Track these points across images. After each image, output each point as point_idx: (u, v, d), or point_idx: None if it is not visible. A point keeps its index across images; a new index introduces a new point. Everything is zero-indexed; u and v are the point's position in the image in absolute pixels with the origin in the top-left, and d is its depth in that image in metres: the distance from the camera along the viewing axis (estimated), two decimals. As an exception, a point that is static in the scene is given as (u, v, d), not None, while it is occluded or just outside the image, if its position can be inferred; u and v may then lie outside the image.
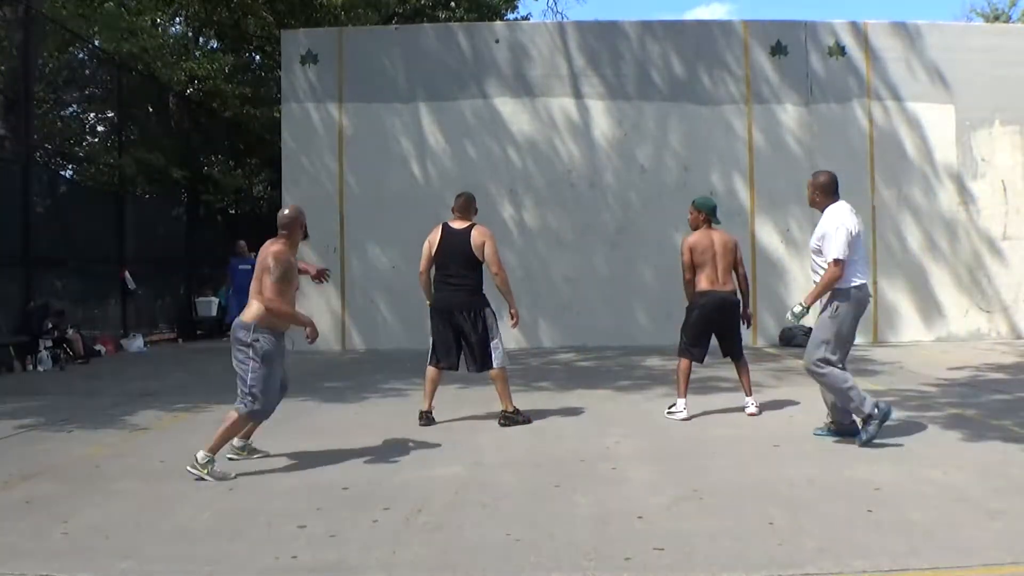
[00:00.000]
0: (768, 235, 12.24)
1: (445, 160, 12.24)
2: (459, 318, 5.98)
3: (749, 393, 6.35)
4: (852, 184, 12.19)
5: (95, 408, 7.20)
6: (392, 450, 5.31)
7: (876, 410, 4.93)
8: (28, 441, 5.77)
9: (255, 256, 5.33)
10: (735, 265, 6.26)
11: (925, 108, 12.24)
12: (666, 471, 4.65)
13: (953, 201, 12.33)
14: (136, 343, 12.72)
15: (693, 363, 6.27)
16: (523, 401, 6.23)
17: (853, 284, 5.05)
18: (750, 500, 4.01)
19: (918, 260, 12.17)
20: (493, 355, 6.00)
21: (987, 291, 12.31)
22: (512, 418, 6.04)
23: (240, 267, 12.60)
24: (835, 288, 5.06)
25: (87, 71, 16.10)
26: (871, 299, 5.11)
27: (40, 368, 10.11)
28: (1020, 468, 4.52)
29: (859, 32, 12.36)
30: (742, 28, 12.55)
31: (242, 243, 13.42)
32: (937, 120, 12.27)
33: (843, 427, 5.31)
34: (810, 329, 12.01)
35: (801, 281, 12.18)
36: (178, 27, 19.22)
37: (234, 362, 4.82)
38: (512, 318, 6.07)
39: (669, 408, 6.30)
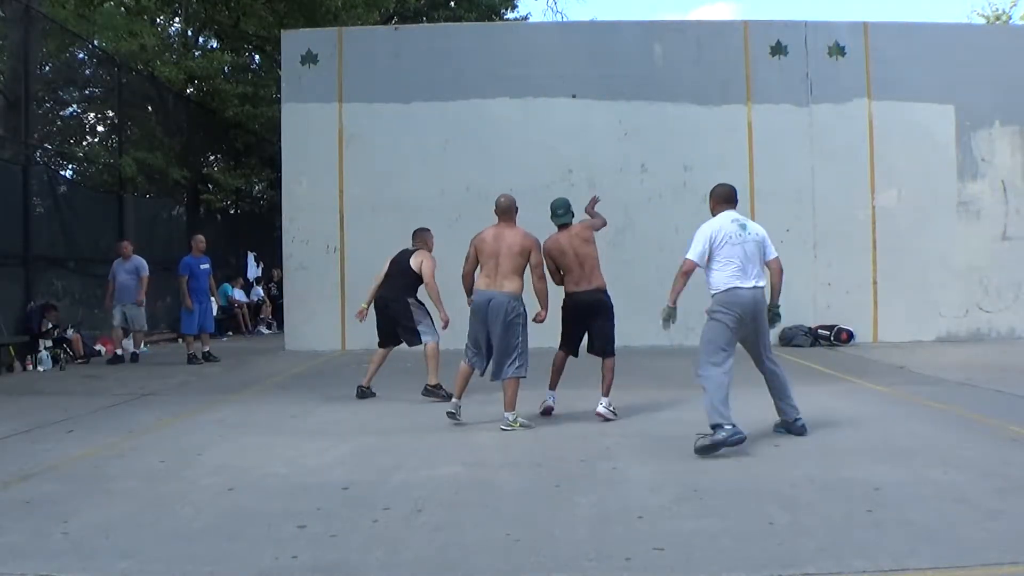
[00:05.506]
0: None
1: (445, 160, 12.22)
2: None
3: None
4: (852, 184, 12.29)
5: (95, 408, 7.21)
6: (392, 450, 5.31)
7: (721, 431, 5.00)
8: (28, 441, 5.77)
9: None
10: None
11: (925, 108, 12.23)
12: (666, 471, 4.65)
13: (953, 201, 12.33)
14: (136, 343, 12.71)
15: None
16: (523, 401, 6.22)
17: (723, 288, 5.36)
18: (750, 500, 4.01)
19: (918, 260, 12.15)
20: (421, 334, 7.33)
21: (987, 291, 12.31)
22: (433, 391, 7.12)
23: (202, 266, 10.90)
24: (712, 294, 5.44)
25: (87, 71, 16.11)
26: (754, 301, 5.35)
27: (40, 368, 10.11)
28: (1020, 468, 4.52)
29: (859, 32, 12.35)
30: (742, 28, 12.55)
31: (201, 238, 11.26)
32: (937, 120, 12.26)
33: (788, 424, 5.55)
34: (809, 329, 12.16)
35: (801, 281, 12.18)
36: (177, 26, 19.24)
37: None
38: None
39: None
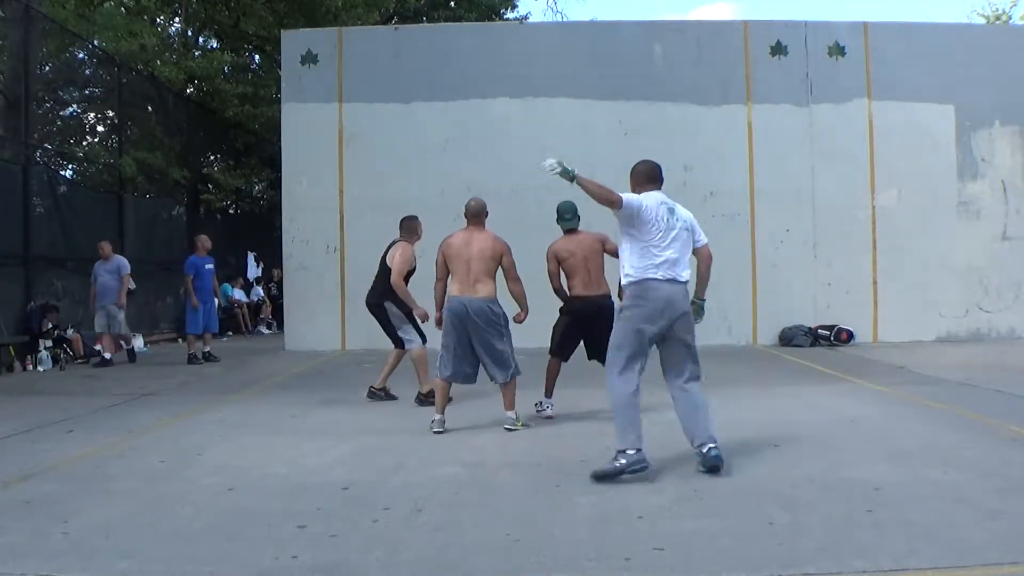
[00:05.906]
0: (767, 235, 12.23)
1: (445, 160, 12.22)
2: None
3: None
4: (852, 184, 12.28)
5: (95, 408, 7.21)
6: (392, 450, 5.31)
7: (629, 453, 4.38)
8: (28, 441, 5.77)
9: None
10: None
11: (925, 108, 12.24)
12: (666, 471, 4.65)
13: (953, 201, 12.33)
14: (136, 343, 12.70)
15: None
16: (524, 401, 6.23)
17: (638, 278, 4.56)
18: (750, 500, 4.01)
19: (918, 260, 12.16)
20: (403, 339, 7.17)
21: (987, 291, 12.31)
22: (424, 399, 6.87)
23: (207, 266, 10.91)
24: (625, 284, 4.68)
25: (87, 71, 16.12)
26: (672, 298, 4.53)
27: (40, 368, 10.11)
28: (1020, 468, 4.52)
29: (859, 32, 12.35)
30: (742, 28, 12.55)
31: (205, 238, 11.19)
32: (937, 120, 12.27)
33: (698, 452, 4.54)
34: (809, 329, 12.14)
35: (801, 281, 12.18)
36: (177, 26, 19.27)
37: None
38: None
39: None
